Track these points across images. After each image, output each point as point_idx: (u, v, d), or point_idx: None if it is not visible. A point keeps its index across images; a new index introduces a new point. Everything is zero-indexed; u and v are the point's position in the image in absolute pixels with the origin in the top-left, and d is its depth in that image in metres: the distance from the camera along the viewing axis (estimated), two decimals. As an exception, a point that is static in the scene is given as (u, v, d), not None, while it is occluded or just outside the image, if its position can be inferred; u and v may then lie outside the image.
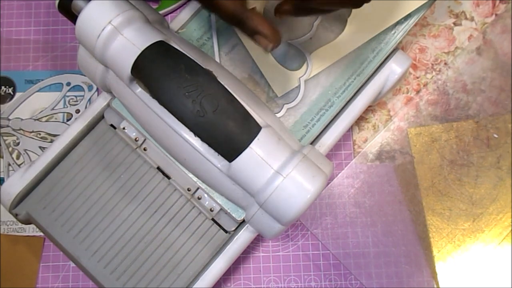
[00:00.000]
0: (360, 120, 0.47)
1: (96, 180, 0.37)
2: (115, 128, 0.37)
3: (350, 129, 0.47)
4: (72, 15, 0.33)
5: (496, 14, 0.49)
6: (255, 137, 0.30)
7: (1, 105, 0.46)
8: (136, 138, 0.37)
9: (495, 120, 0.46)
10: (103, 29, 0.30)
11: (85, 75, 0.36)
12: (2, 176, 0.45)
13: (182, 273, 0.36)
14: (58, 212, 0.36)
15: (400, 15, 0.38)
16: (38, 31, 0.48)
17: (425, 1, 0.37)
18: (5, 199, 0.36)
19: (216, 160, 0.31)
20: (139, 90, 0.32)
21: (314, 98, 0.37)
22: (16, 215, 0.37)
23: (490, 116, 0.46)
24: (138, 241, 0.36)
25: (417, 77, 0.48)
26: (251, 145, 0.30)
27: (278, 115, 0.37)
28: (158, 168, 0.37)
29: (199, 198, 0.36)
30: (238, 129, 0.30)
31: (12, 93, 0.47)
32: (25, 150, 0.46)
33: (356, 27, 0.38)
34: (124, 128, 0.37)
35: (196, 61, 0.31)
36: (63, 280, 0.43)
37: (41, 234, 0.43)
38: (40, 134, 0.46)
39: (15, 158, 0.46)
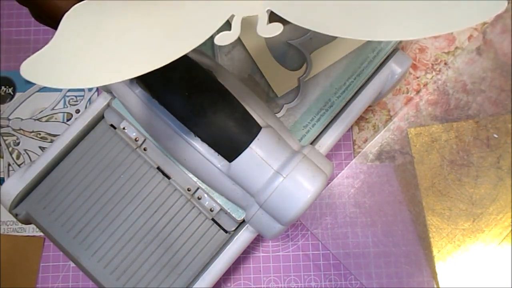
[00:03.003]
0: (360, 120, 0.47)
1: (96, 180, 0.37)
2: (115, 128, 0.37)
3: (350, 129, 0.47)
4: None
5: (496, 14, 0.49)
6: (255, 137, 0.30)
7: (1, 105, 0.46)
8: (136, 138, 0.37)
9: (495, 120, 0.46)
10: (103, 29, 0.30)
11: (85, 75, 0.36)
12: (2, 176, 0.45)
13: (182, 273, 0.36)
14: (58, 212, 0.36)
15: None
16: (38, 31, 0.48)
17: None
18: (5, 199, 0.36)
19: (216, 160, 0.31)
20: (139, 90, 0.32)
21: (314, 98, 0.37)
22: (16, 215, 0.37)
23: (490, 116, 0.46)
24: (138, 241, 0.36)
25: (417, 77, 0.48)
26: (251, 145, 0.30)
27: (278, 115, 0.37)
28: (158, 168, 0.37)
29: (199, 198, 0.36)
30: (238, 129, 0.30)
31: (12, 93, 0.47)
32: (25, 150, 0.46)
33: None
34: (124, 128, 0.37)
35: (196, 61, 0.31)
36: (63, 280, 0.43)
37: (41, 234, 0.43)
38: (40, 134, 0.46)
39: (15, 158, 0.46)
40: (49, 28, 0.48)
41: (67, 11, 0.21)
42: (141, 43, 0.21)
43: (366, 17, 0.20)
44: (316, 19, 0.21)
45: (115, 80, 0.20)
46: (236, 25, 0.21)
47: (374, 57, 0.38)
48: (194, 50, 0.34)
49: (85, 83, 0.20)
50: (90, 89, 0.47)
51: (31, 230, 0.44)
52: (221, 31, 0.21)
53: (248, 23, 0.39)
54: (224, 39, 0.21)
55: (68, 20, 0.21)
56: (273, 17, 0.22)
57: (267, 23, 0.21)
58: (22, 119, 0.46)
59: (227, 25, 0.22)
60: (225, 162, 0.31)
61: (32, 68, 0.20)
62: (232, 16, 0.22)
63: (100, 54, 0.20)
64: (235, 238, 0.35)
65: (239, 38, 0.38)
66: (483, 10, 0.19)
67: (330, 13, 0.21)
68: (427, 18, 0.19)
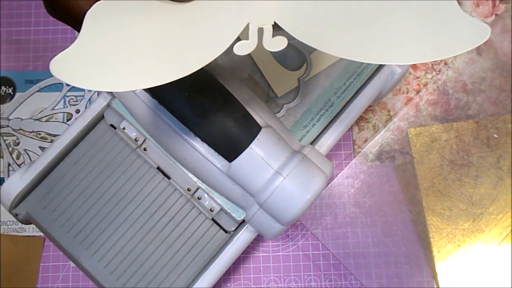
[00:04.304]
0: (360, 120, 0.47)
1: (96, 180, 0.37)
2: (115, 128, 0.37)
3: (350, 129, 0.47)
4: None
5: (496, 14, 0.49)
6: (255, 137, 0.30)
7: (1, 105, 0.46)
8: (136, 138, 0.37)
9: (495, 120, 0.46)
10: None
11: (85, 75, 0.36)
12: (2, 176, 0.45)
13: (182, 273, 0.36)
14: (58, 212, 0.36)
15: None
16: (38, 31, 0.48)
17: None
18: (5, 199, 0.36)
19: (216, 160, 0.31)
20: (139, 90, 0.32)
21: (314, 98, 0.37)
22: (16, 215, 0.37)
23: (490, 116, 0.46)
24: (138, 241, 0.36)
25: (417, 77, 0.48)
26: (251, 145, 0.30)
27: (278, 115, 0.37)
28: (158, 168, 0.37)
29: (199, 198, 0.36)
30: (238, 129, 0.30)
31: (12, 93, 0.47)
32: (25, 150, 0.46)
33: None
34: (124, 128, 0.37)
35: (196, 61, 0.31)
36: (63, 280, 0.43)
37: (41, 234, 0.43)
38: (40, 134, 0.46)
39: (15, 158, 0.46)
40: (49, 28, 0.48)
41: (89, 8, 0.21)
42: (163, 51, 0.21)
43: (364, 41, 0.21)
44: (317, 37, 0.22)
45: (138, 87, 0.20)
46: (253, 35, 0.22)
47: (374, 57, 0.38)
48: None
49: (109, 86, 0.20)
50: (90, 89, 0.47)
51: (31, 230, 0.44)
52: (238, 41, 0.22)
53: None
54: (242, 49, 0.22)
55: (91, 18, 0.21)
56: (277, 30, 0.22)
57: (272, 36, 0.22)
58: (22, 119, 0.46)
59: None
60: (225, 162, 0.31)
61: (61, 66, 0.20)
62: (248, 26, 0.22)
63: (123, 58, 0.21)
64: (235, 238, 0.35)
65: (239, 39, 0.38)
66: (469, 39, 0.20)
67: (331, 33, 0.21)
68: (419, 46, 0.21)
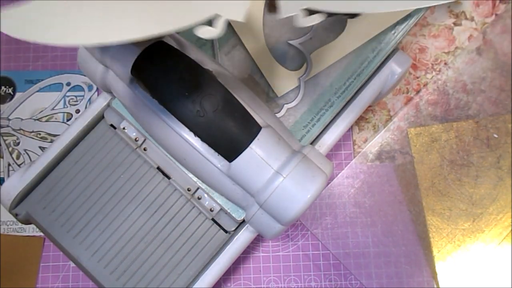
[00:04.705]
0: (360, 120, 0.47)
1: (96, 180, 0.37)
2: (115, 128, 0.37)
3: (350, 129, 0.47)
4: None
5: (496, 14, 0.49)
6: (255, 137, 0.30)
7: (1, 105, 0.46)
8: (136, 138, 0.37)
9: (495, 120, 0.46)
10: (103, 29, 0.30)
11: (85, 75, 0.36)
12: (2, 176, 0.45)
13: (182, 273, 0.36)
14: (58, 212, 0.36)
15: (400, 15, 0.38)
16: (38, 31, 0.48)
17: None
18: (5, 199, 0.36)
19: (216, 160, 0.31)
20: (139, 90, 0.32)
21: (314, 98, 0.37)
22: (16, 215, 0.37)
23: (490, 116, 0.46)
24: (138, 241, 0.36)
25: (417, 77, 0.48)
26: (251, 145, 0.30)
27: (278, 115, 0.37)
28: (158, 168, 0.37)
29: (199, 198, 0.36)
30: (238, 129, 0.30)
31: (12, 93, 0.47)
32: (25, 150, 0.46)
33: (356, 27, 0.38)
34: (124, 128, 0.37)
35: (196, 61, 0.31)
36: (63, 280, 0.43)
37: (41, 234, 0.43)
38: (40, 134, 0.46)
39: (15, 158, 0.46)
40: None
41: None
42: (126, 10, 0.21)
43: None
44: (351, 3, 0.23)
45: (96, 41, 0.20)
46: (220, 26, 0.22)
47: (374, 57, 0.38)
48: (194, 50, 0.34)
49: (68, 40, 0.20)
50: (90, 89, 0.47)
51: (31, 230, 0.44)
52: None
53: (249, 24, 0.39)
54: (204, 34, 0.22)
55: None
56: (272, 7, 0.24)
57: (303, 16, 0.24)
58: (22, 119, 0.46)
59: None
60: (225, 162, 0.31)
61: (15, 22, 0.19)
62: (217, 16, 0.22)
63: (85, 12, 0.20)
64: (235, 238, 0.35)
65: (239, 38, 0.38)
66: None
67: None
68: None
